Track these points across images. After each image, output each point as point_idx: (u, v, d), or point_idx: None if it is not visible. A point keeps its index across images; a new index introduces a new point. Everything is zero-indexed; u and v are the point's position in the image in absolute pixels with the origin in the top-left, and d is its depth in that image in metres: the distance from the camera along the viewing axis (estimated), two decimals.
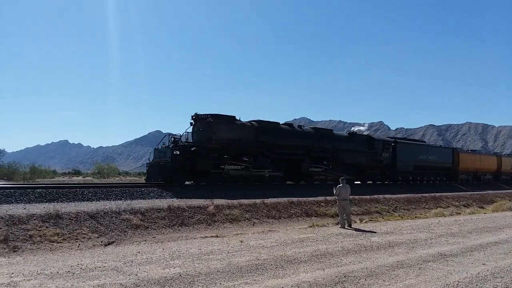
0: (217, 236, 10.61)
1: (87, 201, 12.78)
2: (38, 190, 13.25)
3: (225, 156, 19.37)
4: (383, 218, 16.64)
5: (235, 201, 14.60)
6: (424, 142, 43.28)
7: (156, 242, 9.72)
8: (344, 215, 12.93)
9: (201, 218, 12.63)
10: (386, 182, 30.12)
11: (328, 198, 17.42)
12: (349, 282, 6.12)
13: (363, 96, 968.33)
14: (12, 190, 12.86)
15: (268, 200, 15.55)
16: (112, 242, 9.70)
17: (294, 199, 16.57)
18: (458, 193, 28.10)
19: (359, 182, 27.60)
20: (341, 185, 13.23)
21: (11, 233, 9.02)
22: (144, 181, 21.90)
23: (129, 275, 6.18)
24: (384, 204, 19.61)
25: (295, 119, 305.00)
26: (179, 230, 11.57)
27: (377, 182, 29.52)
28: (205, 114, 19.41)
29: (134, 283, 5.76)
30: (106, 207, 11.57)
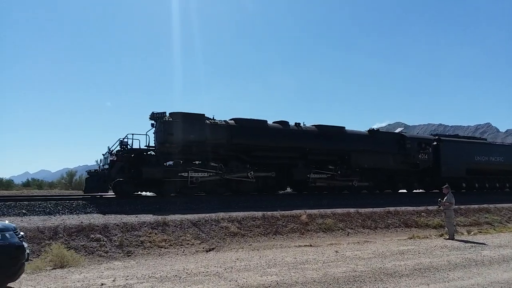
0: (311, 246, 10.60)
1: (189, 210, 13.68)
2: (150, 200, 14.62)
3: (195, 162, 16.85)
4: (495, 229, 15.05)
5: (328, 210, 14.43)
6: (485, 139, 33.98)
7: (252, 250, 10.03)
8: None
9: (294, 227, 12.73)
10: (422, 190, 24.82)
11: (430, 207, 16.35)
12: None
13: (470, 95, 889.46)
14: (125, 200, 14.35)
15: (363, 210, 15.10)
16: (213, 249, 10.26)
17: (391, 208, 15.85)
18: None
19: (390, 191, 23.45)
20: (450, 193, 12.45)
21: (125, 239, 10.06)
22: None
23: (229, 281, 6.49)
24: (496, 214, 17.80)
25: (389, 124, 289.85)
26: (273, 238, 11.80)
27: (415, 191, 24.20)
28: (163, 112, 16.49)
29: None
30: (207, 216, 12.27)
